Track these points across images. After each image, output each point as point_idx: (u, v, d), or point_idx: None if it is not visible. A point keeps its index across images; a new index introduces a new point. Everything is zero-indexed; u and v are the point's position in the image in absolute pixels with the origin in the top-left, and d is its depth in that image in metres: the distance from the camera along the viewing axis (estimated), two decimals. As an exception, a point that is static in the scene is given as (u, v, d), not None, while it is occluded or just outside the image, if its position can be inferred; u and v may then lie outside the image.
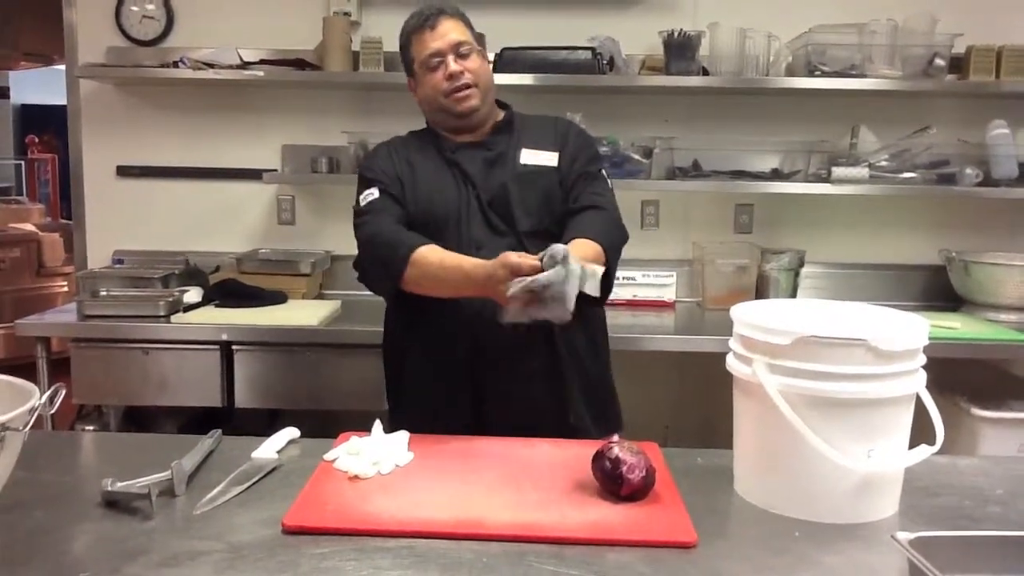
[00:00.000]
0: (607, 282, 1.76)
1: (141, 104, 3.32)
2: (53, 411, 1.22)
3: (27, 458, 1.37)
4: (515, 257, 1.57)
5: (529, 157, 1.91)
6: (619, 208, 1.94)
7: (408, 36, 1.93)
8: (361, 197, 1.91)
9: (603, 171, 1.97)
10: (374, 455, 1.47)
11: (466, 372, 1.84)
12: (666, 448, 1.57)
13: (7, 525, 1.24)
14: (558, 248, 1.52)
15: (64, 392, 1.23)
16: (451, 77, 1.87)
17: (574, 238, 1.75)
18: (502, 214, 1.86)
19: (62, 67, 3.42)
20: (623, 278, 2.01)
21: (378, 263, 1.83)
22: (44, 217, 6.69)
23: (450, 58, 1.87)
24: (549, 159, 1.92)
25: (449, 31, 1.88)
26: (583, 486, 1.38)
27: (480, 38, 1.98)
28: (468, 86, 1.87)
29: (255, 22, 3.25)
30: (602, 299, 1.76)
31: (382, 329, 2.02)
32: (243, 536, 1.22)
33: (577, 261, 1.53)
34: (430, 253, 1.76)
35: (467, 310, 1.80)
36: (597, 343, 1.97)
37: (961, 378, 2.72)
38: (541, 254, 1.55)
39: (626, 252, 1.91)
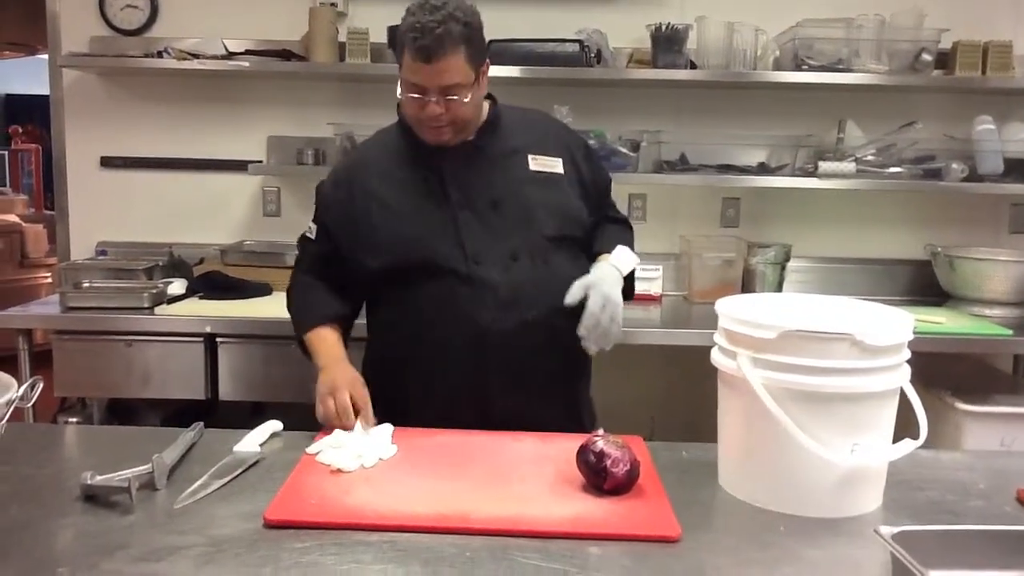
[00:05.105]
0: (629, 286, 1.90)
1: (125, 94, 3.29)
2: (31, 404, 1.20)
3: (5, 451, 1.36)
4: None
5: (537, 164, 1.82)
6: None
7: (401, 40, 1.66)
8: (309, 224, 1.92)
9: (608, 174, 2.01)
10: (357, 448, 1.46)
11: (473, 384, 1.74)
12: (651, 442, 1.57)
13: (-17, 519, 1.23)
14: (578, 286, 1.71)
15: (42, 385, 1.22)
16: (429, 114, 1.69)
17: (606, 244, 1.87)
18: (514, 216, 1.76)
19: (45, 56, 3.38)
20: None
21: (292, 316, 1.92)
22: (27, 208, 6.61)
23: (433, 98, 1.67)
24: (555, 165, 1.83)
25: (443, 71, 1.64)
26: (567, 480, 1.37)
27: (482, 52, 1.73)
28: (443, 125, 1.71)
29: (240, 12, 3.22)
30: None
31: (365, 322, 1.95)
32: (224, 530, 1.21)
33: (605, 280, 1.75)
34: (313, 337, 1.83)
35: (473, 323, 1.72)
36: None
37: (945, 372, 2.73)
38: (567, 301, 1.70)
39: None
